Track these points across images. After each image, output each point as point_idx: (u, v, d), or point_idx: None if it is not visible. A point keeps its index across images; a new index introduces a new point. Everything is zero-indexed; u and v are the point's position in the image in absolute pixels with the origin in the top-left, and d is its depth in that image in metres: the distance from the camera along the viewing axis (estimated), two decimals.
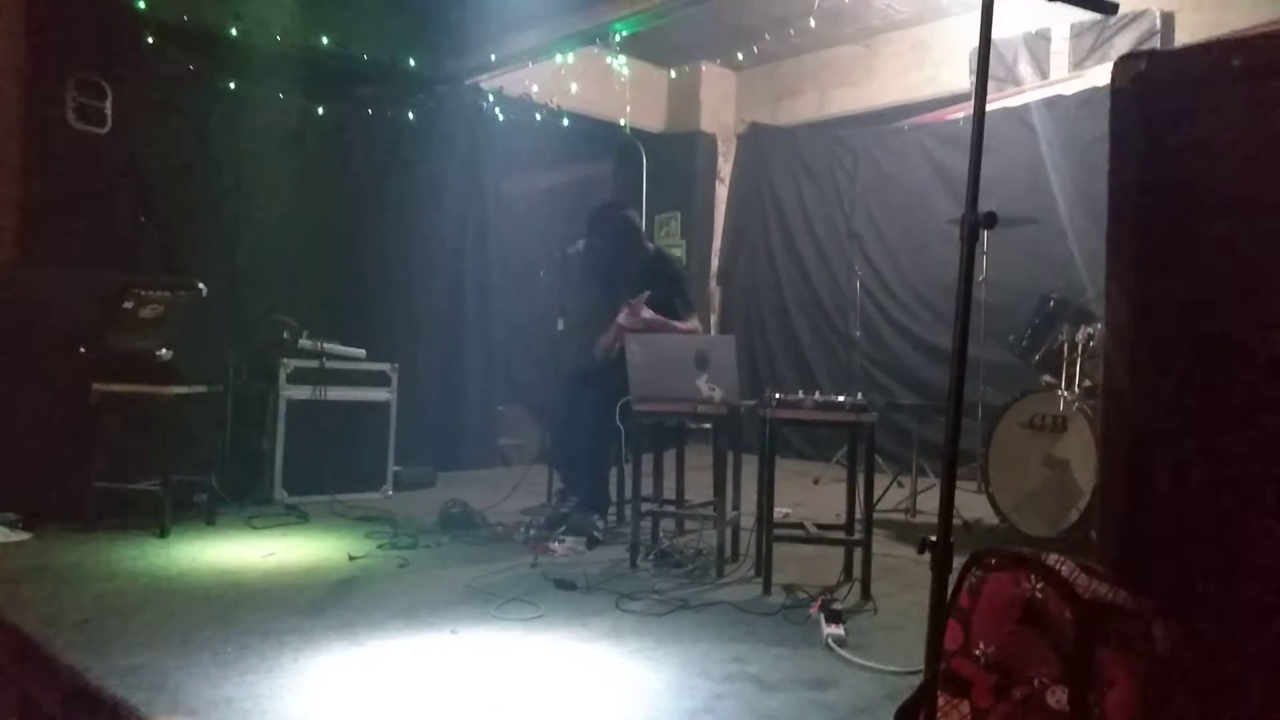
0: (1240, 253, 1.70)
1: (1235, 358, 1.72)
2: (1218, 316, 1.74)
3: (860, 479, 3.48)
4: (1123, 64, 1.78)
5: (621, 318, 4.42)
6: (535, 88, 6.94)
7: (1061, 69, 6.33)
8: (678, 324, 4.41)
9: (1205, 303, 1.76)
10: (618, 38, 6.24)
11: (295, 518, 4.56)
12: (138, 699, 2.20)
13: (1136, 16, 5.90)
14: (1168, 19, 5.86)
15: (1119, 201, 1.84)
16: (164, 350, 4.08)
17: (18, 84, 4.80)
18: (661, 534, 4.09)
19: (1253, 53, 1.62)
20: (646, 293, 4.31)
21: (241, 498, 4.73)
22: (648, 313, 4.32)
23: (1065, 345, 4.40)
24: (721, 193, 8.54)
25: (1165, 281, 1.80)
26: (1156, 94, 1.73)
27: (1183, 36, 5.82)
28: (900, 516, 4.92)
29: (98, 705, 2.30)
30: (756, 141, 8.29)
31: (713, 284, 8.46)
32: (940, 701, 1.58)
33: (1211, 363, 1.74)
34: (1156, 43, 5.80)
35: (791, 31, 6.99)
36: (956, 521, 4.07)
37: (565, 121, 7.11)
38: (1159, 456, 1.78)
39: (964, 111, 6.82)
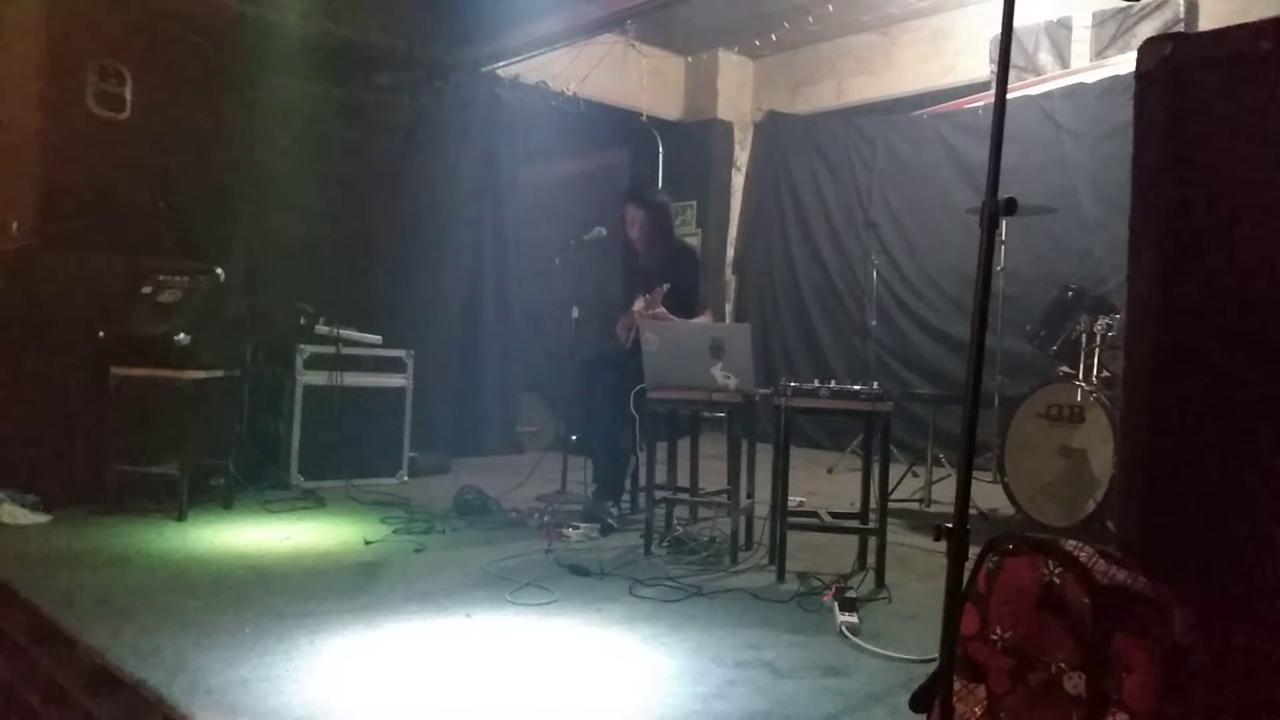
0: (1268, 242, 1.68)
1: (1259, 347, 1.70)
2: (1242, 307, 1.72)
3: (875, 468, 3.48)
4: (1148, 48, 1.75)
5: (638, 305, 4.42)
6: (551, 75, 6.93)
7: (1083, 58, 6.27)
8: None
9: (1229, 292, 1.74)
10: (633, 25, 6.22)
11: (311, 502, 4.59)
12: (157, 679, 2.22)
13: (1160, 4, 5.84)
14: (1191, 6, 5.79)
15: (1142, 189, 1.82)
16: (182, 335, 4.10)
17: (38, 69, 4.82)
18: (675, 521, 4.10)
19: None
20: (666, 286, 4.30)
21: (258, 482, 4.76)
22: (662, 310, 4.31)
23: (1083, 335, 4.37)
24: (738, 181, 8.51)
25: (1189, 271, 1.78)
26: (1183, 79, 1.71)
27: (1206, 25, 5.75)
28: (915, 506, 4.91)
29: (117, 685, 2.33)
30: (774, 130, 8.26)
31: (728, 273, 8.45)
32: (956, 686, 1.58)
33: (1235, 353, 1.72)
34: (1180, 30, 5.73)
35: (810, 19, 6.96)
36: (972, 511, 4.06)
37: (581, 109, 7.09)
38: (1179, 446, 1.77)
39: (983, 100, 6.77)
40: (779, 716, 2.14)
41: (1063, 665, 1.51)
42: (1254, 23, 1.67)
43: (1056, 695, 1.51)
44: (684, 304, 4.40)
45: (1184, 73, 1.71)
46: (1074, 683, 1.50)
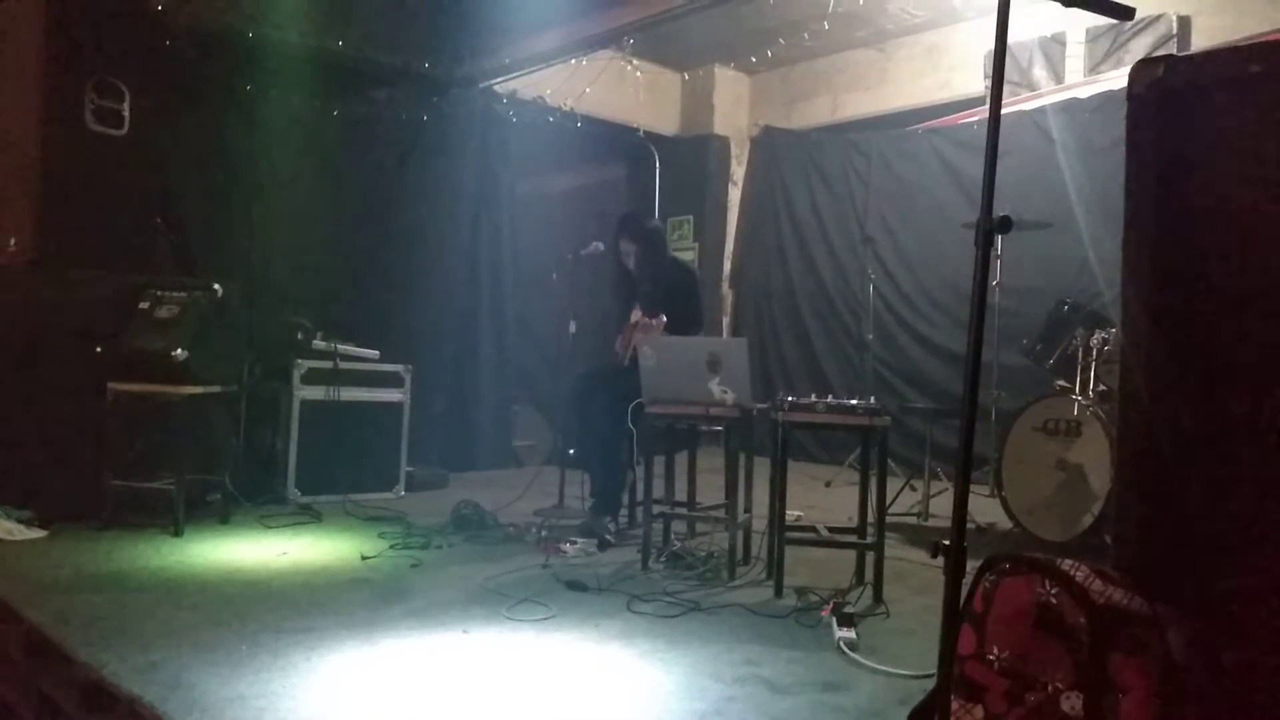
0: (1259, 260, 1.69)
1: (1252, 364, 1.71)
2: (1236, 324, 1.73)
3: (873, 482, 3.48)
4: (1140, 69, 1.77)
5: (635, 315, 4.43)
6: (549, 91, 6.96)
7: (1077, 73, 6.31)
8: None
9: (1222, 309, 1.75)
10: (630, 41, 6.25)
11: (308, 517, 4.59)
12: (152, 696, 2.21)
13: (1153, 20, 5.88)
14: (1184, 23, 5.83)
15: (1135, 207, 1.83)
16: (180, 350, 4.10)
17: (37, 86, 4.84)
18: (673, 536, 4.10)
19: (1272, 58, 1.61)
20: (663, 319, 4.31)
21: (255, 497, 4.76)
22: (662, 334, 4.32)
23: (1079, 349, 4.38)
24: (734, 196, 8.54)
25: (1182, 287, 1.79)
26: (1174, 99, 1.72)
27: (1199, 41, 5.79)
28: (912, 520, 4.91)
29: (113, 702, 2.32)
30: (770, 145, 8.29)
31: (725, 287, 8.46)
32: (954, 706, 1.58)
33: (1230, 369, 1.73)
34: (1173, 47, 5.77)
35: (805, 35, 6.99)
36: (970, 525, 4.07)
37: (578, 124, 7.12)
38: (1176, 462, 1.77)
39: (978, 115, 6.80)
40: None
41: (1060, 685, 1.51)
42: (1244, 45, 1.68)
43: (1054, 716, 1.51)
44: (682, 324, 4.41)
45: (1175, 94, 1.72)
46: (1071, 703, 1.50)
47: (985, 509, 4.79)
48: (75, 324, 4.36)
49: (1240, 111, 1.66)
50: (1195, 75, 1.71)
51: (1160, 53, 3.05)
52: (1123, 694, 1.47)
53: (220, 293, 4.39)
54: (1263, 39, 1.65)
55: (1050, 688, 1.52)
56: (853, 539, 3.59)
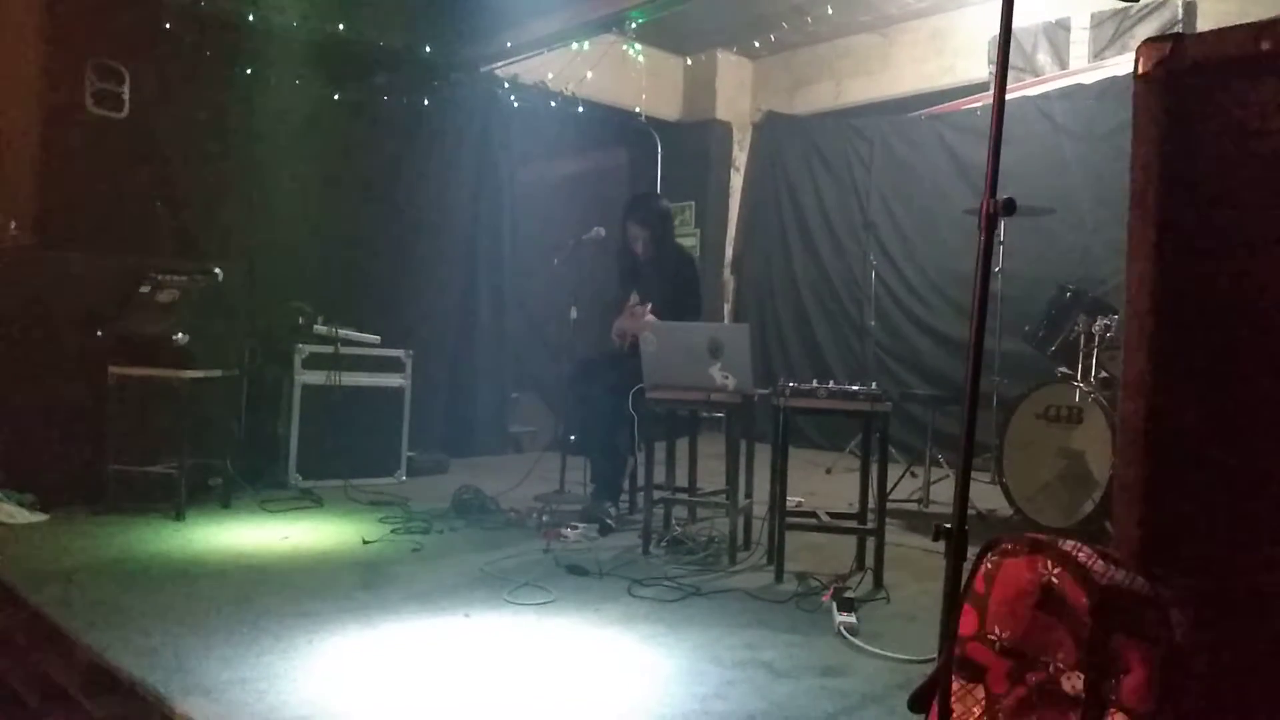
0: (1265, 242, 1.68)
1: (1258, 349, 1.70)
2: (1240, 308, 1.73)
3: (874, 468, 3.48)
4: (1147, 49, 1.75)
5: (632, 301, 4.42)
6: (550, 75, 6.93)
7: (1081, 59, 6.28)
8: None
9: (1227, 293, 1.74)
10: (633, 25, 6.22)
11: (309, 502, 4.59)
12: (155, 679, 2.22)
13: (1158, 6, 5.85)
14: (1189, 8, 5.80)
15: (1140, 190, 1.82)
16: (180, 334, 4.10)
17: (36, 69, 4.82)
18: (674, 521, 4.10)
19: None
20: (648, 304, 4.32)
21: (256, 482, 4.76)
22: (650, 318, 4.32)
23: (1081, 336, 4.38)
24: (736, 181, 8.51)
25: (1187, 271, 1.78)
26: (1181, 79, 1.71)
27: (1204, 25, 5.76)
28: (913, 506, 4.91)
29: (115, 684, 2.33)
30: (772, 130, 8.26)
31: (727, 273, 8.45)
32: (955, 687, 1.58)
33: (1234, 354, 1.73)
34: (1179, 31, 5.74)
35: (808, 20, 6.96)
36: (970, 511, 4.07)
37: (580, 109, 7.10)
38: (1176, 447, 1.77)
39: (982, 101, 6.77)
40: (777, 717, 2.14)
41: (1061, 665, 1.51)
42: (1253, 23, 1.67)
43: (1055, 696, 1.51)
44: (683, 314, 4.40)
45: (1183, 74, 1.71)
46: (1072, 683, 1.50)
47: (986, 495, 4.79)
48: (75, 307, 4.35)
49: (1250, 90, 1.65)
50: (1204, 53, 1.70)
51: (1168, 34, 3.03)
52: (1124, 674, 1.47)
53: (220, 276, 4.39)
54: (1273, 18, 1.63)
55: (1051, 668, 1.52)
56: (853, 525, 3.59)
